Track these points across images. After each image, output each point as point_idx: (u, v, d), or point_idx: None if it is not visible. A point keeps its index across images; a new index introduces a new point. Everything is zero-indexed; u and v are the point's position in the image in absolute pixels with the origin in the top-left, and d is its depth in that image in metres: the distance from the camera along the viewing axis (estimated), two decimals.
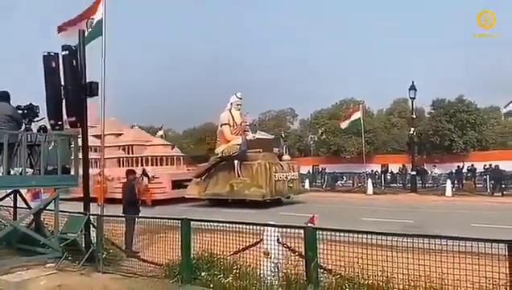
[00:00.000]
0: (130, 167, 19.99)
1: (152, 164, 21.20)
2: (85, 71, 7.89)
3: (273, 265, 5.37)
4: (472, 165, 27.05)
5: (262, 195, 16.28)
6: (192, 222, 6.13)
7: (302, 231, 5.06)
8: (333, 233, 4.89)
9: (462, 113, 35.99)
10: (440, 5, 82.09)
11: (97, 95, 7.96)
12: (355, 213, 13.86)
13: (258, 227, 5.68)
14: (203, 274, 5.84)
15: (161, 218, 7.18)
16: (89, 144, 22.31)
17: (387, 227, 8.35)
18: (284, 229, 5.52)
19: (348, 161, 38.62)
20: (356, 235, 4.81)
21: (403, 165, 30.00)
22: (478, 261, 4.00)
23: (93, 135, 23.98)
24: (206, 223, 6.10)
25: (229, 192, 17.20)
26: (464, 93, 38.82)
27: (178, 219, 6.28)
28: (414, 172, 24.46)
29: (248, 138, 17.95)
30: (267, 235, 5.49)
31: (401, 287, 4.47)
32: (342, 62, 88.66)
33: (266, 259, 5.45)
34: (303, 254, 5.07)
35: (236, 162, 16.99)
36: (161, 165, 21.60)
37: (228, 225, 5.77)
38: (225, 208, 16.25)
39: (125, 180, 9.17)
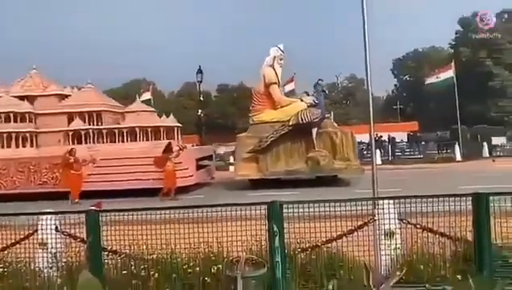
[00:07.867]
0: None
1: (137, 139, 14.90)
2: None
3: (51, 256, 4.93)
4: None
5: (360, 170, 13.22)
6: None
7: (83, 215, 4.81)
8: (119, 213, 4.86)
9: (243, 99, 40.55)
10: None
11: None
12: None
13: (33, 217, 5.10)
14: None
15: None
16: (13, 110, 14.45)
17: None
18: (64, 216, 5.13)
19: None
20: (141, 213, 4.89)
21: (192, 145, 31.89)
22: (246, 222, 4.66)
23: (15, 96, 14.94)
24: None
25: (309, 169, 13.61)
26: (244, 78, 43.72)
27: None
28: None
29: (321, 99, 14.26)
30: (42, 225, 4.98)
31: (184, 256, 4.81)
32: (136, 41, 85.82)
33: (42, 251, 4.96)
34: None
35: (315, 130, 13.64)
36: (154, 140, 14.98)
37: None
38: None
39: None
